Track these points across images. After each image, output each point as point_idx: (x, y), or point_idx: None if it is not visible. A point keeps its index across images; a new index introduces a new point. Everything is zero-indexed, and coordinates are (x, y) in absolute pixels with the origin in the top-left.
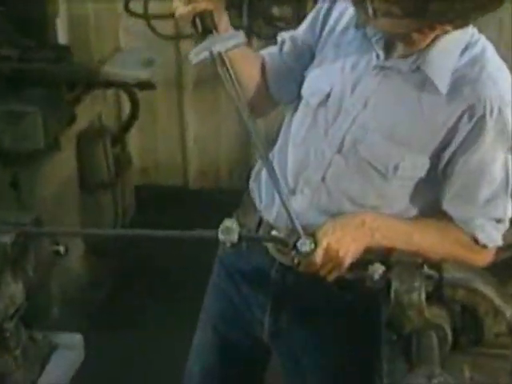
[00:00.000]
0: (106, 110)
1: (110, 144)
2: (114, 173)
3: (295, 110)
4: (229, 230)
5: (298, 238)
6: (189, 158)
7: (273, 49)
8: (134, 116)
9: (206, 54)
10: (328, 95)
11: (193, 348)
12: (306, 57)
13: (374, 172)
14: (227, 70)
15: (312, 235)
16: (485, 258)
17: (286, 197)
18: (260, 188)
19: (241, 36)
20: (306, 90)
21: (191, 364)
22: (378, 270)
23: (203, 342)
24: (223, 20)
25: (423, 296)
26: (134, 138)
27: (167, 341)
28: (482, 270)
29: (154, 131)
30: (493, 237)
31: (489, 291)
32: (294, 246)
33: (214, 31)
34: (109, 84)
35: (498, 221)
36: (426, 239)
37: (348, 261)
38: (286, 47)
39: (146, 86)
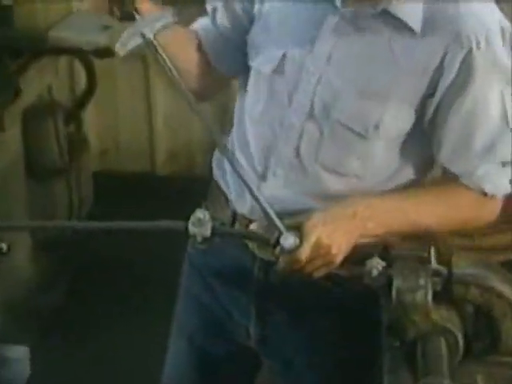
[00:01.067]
0: (57, 81)
1: (63, 122)
2: (68, 157)
3: (245, 83)
4: (200, 222)
5: (280, 233)
6: (157, 139)
7: (204, 20)
8: (90, 89)
9: (135, 41)
10: (282, 59)
11: (166, 364)
12: (244, 22)
13: (353, 135)
14: (161, 56)
15: (297, 228)
16: (494, 210)
17: (257, 187)
18: (225, 177)
19: (168, 15)
20: (254, 59)
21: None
22: (377, 265)
23: (178, 356)
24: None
25: (429, 295)
26: (90, 116)
27: (134, 352)
28: (498, 266)
29: (114, 108)
30: (501, 184)
31: (506, 289)
32: (277, 243)
33: (136, 14)
34: (60, 51)
35: (504, 164)
36: (426, 213)
37: (340, 257)
38: (219, 16)
39: (105, 53)
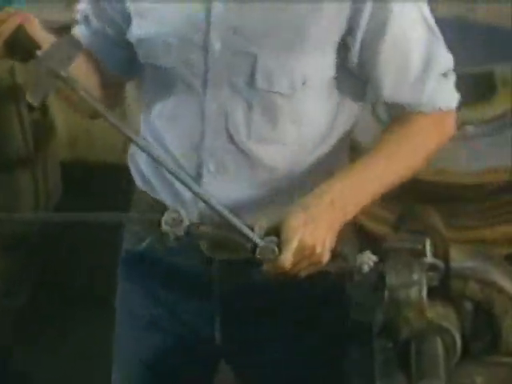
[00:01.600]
0: (19, 63)
1: (27, 108)
2: (33, 145)
3: (143, 81)
4: (175, 221)
5: (255, 245)
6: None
7: (81, 30)
8: None
9: (49, 84)
10: (169, 45)
11: None
12: (119, 21)
13: (281, 98)
14: (78, 89)
15: (274, 231)
16: (452, 123)
17: (206, 193)
18: (155, 185)
19: (75, 42)
20: (143, 54)
21: None
22: (368, 260)
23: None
24: (37, 28)
25: (424, 291)
26: (58, 100)
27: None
28: (500, 259)
29: None
30: (451, 95)
31: (508, 284)
32: (253, 252)
33: (37, 51)
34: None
35: (446, 75)
36: (397, 164)
37: (327, 254)
38: (93, 21)
39: None
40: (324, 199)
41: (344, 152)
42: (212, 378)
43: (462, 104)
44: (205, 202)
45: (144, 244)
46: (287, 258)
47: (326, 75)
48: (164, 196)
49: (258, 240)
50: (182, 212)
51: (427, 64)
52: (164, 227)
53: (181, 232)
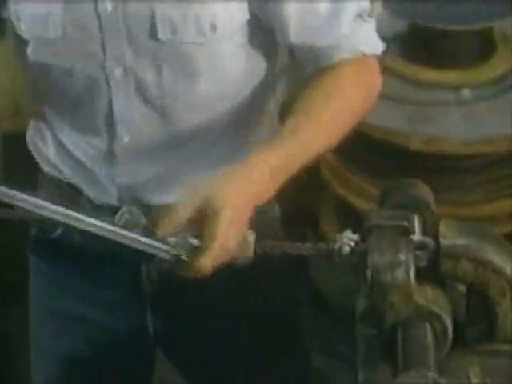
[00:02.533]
0: None
1: None
2: None
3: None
4: (131, 224)
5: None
6: None
7: None
8: None
9: None
10: (46, 15)
11: None
12: None
13: (193, 50)
14: None
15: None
16: (378, 70)
17: (105, 172)
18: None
19: None
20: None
21: None
22: (348, 241)
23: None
24: None
25: (412, 273)
26: None
27: None
28: (497, 236)
29: None
30: (374, 39)
31: (504, 263)
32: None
33: None
34: None
35: (361, 16)
36: (329, 124)
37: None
38: None
39: None
40: (252, 173)
41: (270, 118)
42: (150, 373)
43: (458, 65)
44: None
45: (58, 230)
46: (206, 263)
47: (237, 20)
48: (76, 180)
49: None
50: (137, 211)
51: (338, 4)
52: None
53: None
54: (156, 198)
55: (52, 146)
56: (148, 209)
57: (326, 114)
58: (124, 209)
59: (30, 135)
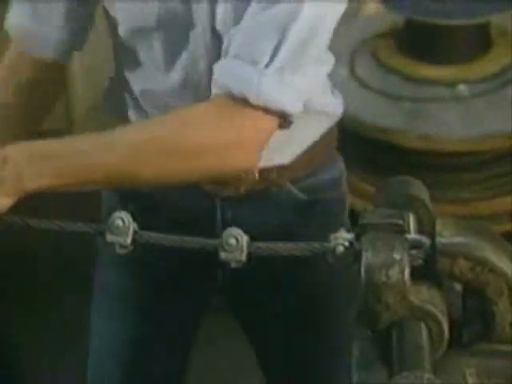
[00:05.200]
0: None
1: None
2: None
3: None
4: (119, 229)
5: None
6: (74, 92)
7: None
8: None
9: None
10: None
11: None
12: None
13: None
14: None
15: None
16: (253, 128)
17: None
18: None
19: None
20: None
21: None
22: (342, 241)
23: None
24: None
25: (407, 272)
26: None
27: None
28: (495, 234)
29: None
30: (270, 88)
31: (502, 262)
32: None
33: None
34: None
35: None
36: (122, 153)
37: None
38: None
39: None
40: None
41: None
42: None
43: (456, 61)
44: None
45: None
46: None
47: None
48: None
49: None
50: (127, 217)
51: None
52: (108, 237)
53: (127, 241)
54: None
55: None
56: None
57: (133, 139)
58: (114, 215)
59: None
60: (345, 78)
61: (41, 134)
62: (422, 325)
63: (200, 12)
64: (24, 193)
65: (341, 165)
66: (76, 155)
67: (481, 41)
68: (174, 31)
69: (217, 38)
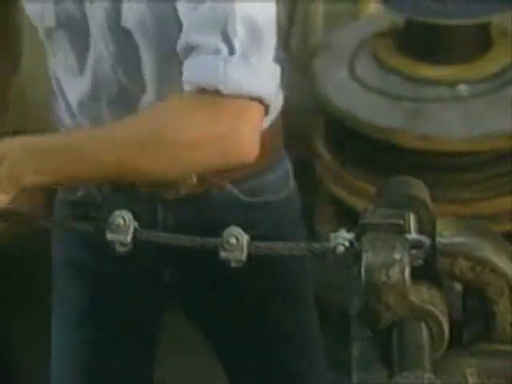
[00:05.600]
0: None
1: None
2: None
3: None
4: (120, 228)
5: None
6: (33, 91)
7: None
8: None
9: None
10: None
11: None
12: None
13: None
14: None
15: None
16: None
17: None
18: None
19: None
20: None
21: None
22: (343, 241)
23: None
24: None
25: (407, 272)
26: None
27: None
28: (495, 234)
29: None
30: (238, 75)
31: (503, 264)
32: None
33: None
34: None
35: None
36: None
37: None
38: None
39: None
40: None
41: None
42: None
43: (456, 61)
44: None
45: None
46: None
47: None
48: None
49: None
50: (128, 215)
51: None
52: (109, 235)
53: (128, 239)
54: None
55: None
56: None
57: (115, 133)
58: (116, 214)
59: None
60: (345, 78)
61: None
62: (423, 325)
63: (95, 11)
64: (21, 189)
65: (287, 165)
66: (73, 150)
67: (481, 41)
68: (76, 32)
69: (125, 36)
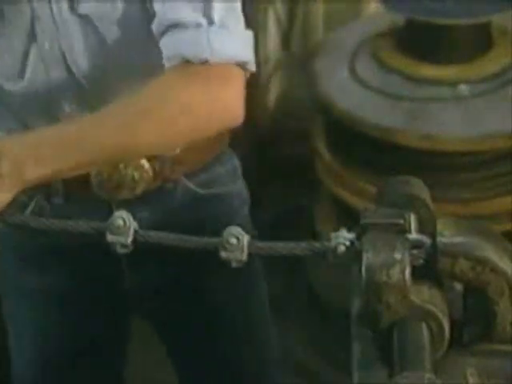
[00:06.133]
0: None
1: None
2: None
3: None
4: (120, 229)
5: None
6: None
7: None
8: None
9: None
10: None
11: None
12: None
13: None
14: None
15: None
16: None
17: None
18: None
19: None
20: None
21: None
22: (344, 241)
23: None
24: None
25: (408, 272)
26: None
27: None
28: (496, 234)
29: None
30: (220, 43)
31: (503, 264)
32: None
33: None
34: None
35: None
36: (109, 129)
37: None
38: None
39: None
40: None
41: None
42: (125, 334)
43: (456, 60)
44: None
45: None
46: None
47: None
48: None
49: None
50: (127, 216)
51: None
52: (109, 237)
53: (128, 240)
54: None
55: None
56: None
57: (119, 113)
58: (115, 215)
59: None
60: (345, 78)
61: None
62: (423, 324)
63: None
64: (24, 185)
65: (234, 158)
66: (70, 138)
67: (481, 41)
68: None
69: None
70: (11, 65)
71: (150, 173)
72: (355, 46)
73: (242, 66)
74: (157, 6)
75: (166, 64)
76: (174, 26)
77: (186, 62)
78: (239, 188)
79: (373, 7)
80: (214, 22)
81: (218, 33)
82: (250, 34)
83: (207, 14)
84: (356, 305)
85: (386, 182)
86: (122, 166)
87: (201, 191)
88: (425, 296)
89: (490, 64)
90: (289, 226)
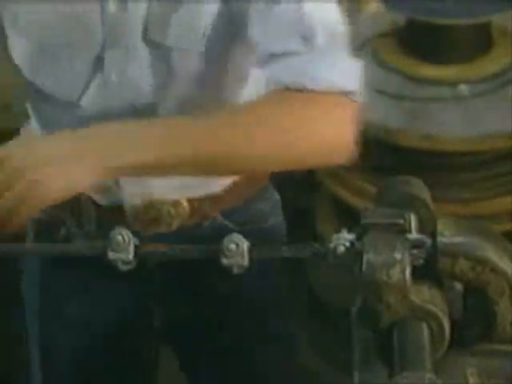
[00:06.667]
0: None
1: None
2: None
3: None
4: (120, 246)
5: None
6: None
7: None
8: None
9: None
10: None
11: None
12: None
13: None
14: None
15: None
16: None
17: None
18: None
19: None
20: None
21: None
22: (344, 241)
23: None
24: None
25: (408, 272)
26: None
27: None
28: (496, 234)
29: None
30: (324, 72)
31: (504, 263)
32: None
33: None
34: None
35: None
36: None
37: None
38: None
39: None
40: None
41: None
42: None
43: (457, 60)
44: None
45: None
46: None
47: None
48: None
49: None
50: (126, 232)
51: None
52: (110, 254)
53: (129, 256)
54: None
55: None
56: None
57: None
58: (114, 231)
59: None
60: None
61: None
62: (423, 324)
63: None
64: (104, 171)
65: (275, 193)
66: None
67: (481, 41)
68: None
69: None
70: (69, 90)
71: (187, 209)
72: (355, 45)
73: (349, 96)
74: (258, 36)
75: (266, 91)
76: (277, 56)
77: (286, 89)
78: (278, 223)
79: (373, 7)
80: (316, 49)
81: (320, 61)
82: (356, 63)
83: (309, 41)
84: (356, 305)
85: (386, 182)
86: (158, 201)
87: (236, 228)
88: (425, 296)
89: (490, 64)
90: (289, 226)
